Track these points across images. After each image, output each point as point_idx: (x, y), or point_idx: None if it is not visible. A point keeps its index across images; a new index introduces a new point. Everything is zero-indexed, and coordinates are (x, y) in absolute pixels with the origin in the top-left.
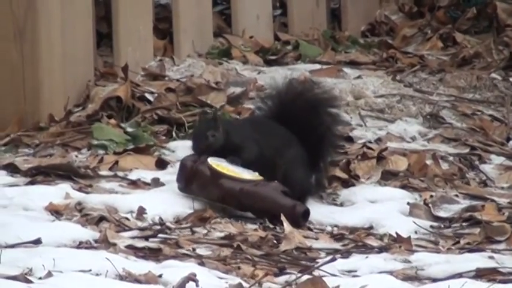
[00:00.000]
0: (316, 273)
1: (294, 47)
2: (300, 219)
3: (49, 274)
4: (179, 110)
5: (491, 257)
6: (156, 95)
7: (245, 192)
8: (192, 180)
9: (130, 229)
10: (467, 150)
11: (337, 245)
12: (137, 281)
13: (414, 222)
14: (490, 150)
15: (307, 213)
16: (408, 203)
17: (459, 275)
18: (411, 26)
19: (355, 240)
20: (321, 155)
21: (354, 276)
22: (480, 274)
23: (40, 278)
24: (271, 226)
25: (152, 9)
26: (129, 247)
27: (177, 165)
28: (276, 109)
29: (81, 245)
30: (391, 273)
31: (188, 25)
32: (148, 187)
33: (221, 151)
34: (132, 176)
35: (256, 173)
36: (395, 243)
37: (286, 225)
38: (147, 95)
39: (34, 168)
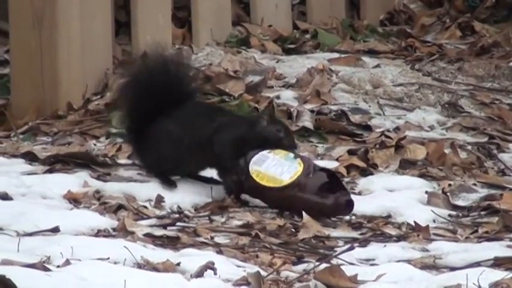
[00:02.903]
0: (334, 261)
1: (312, 36)
2: (346, 211)
3: (67, 262)
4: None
5: (509, 246)
6: None
7: (287, 199)
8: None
9: (149, 217)
10: (485, 139)
11: (355, 234)
12: (155, 269)
13: (432, 211)
14: (509, 139)
15: (350, 202)
16: (426, 192)
17: (477, 264)
18: (430, 15)
19: (373, 229)
20: None
21: (372, 264)
22: (498, 263)
23: (58, 266)
24: (289, 215)
25: None
26: (147, 235)
27: None
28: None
29: (99, 233)
30: (409, 261)
31: (207, 13)
32: None
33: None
34: None
35: (297, 161)
36: (414, 232)
37: (304, 214)
38: None
39: (52, 156)
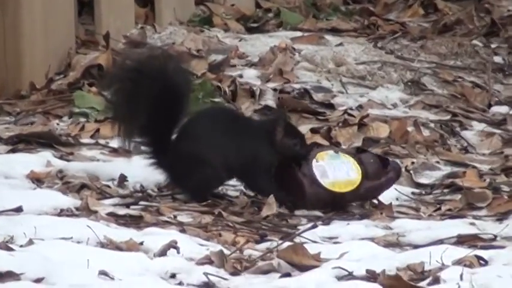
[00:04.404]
0: (297, 240)
1: (275, 15)
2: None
3: (30, 242)
4: None
5: (472, 223)
6: None
7: (362, 195)
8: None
9: (112, 196)
10: (448, 116)
11: (318, 212)
12: (118, 248)
13: (395, 189)
14: (471, 116)
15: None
16: None
17: (440, 241)
18: None
19: None
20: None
21: (335, 243)
22: (461, 240)
23: (21, 246)
24: (252, 194)
25: None
26: (110, 214)
27: None
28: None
29: (62, 213)
30: (372, 239)
31: None
32: (130, 155)
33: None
34: (114, 143)
35: (341, 155)
36: (377, 210)
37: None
38: None
39: (15, 136)
